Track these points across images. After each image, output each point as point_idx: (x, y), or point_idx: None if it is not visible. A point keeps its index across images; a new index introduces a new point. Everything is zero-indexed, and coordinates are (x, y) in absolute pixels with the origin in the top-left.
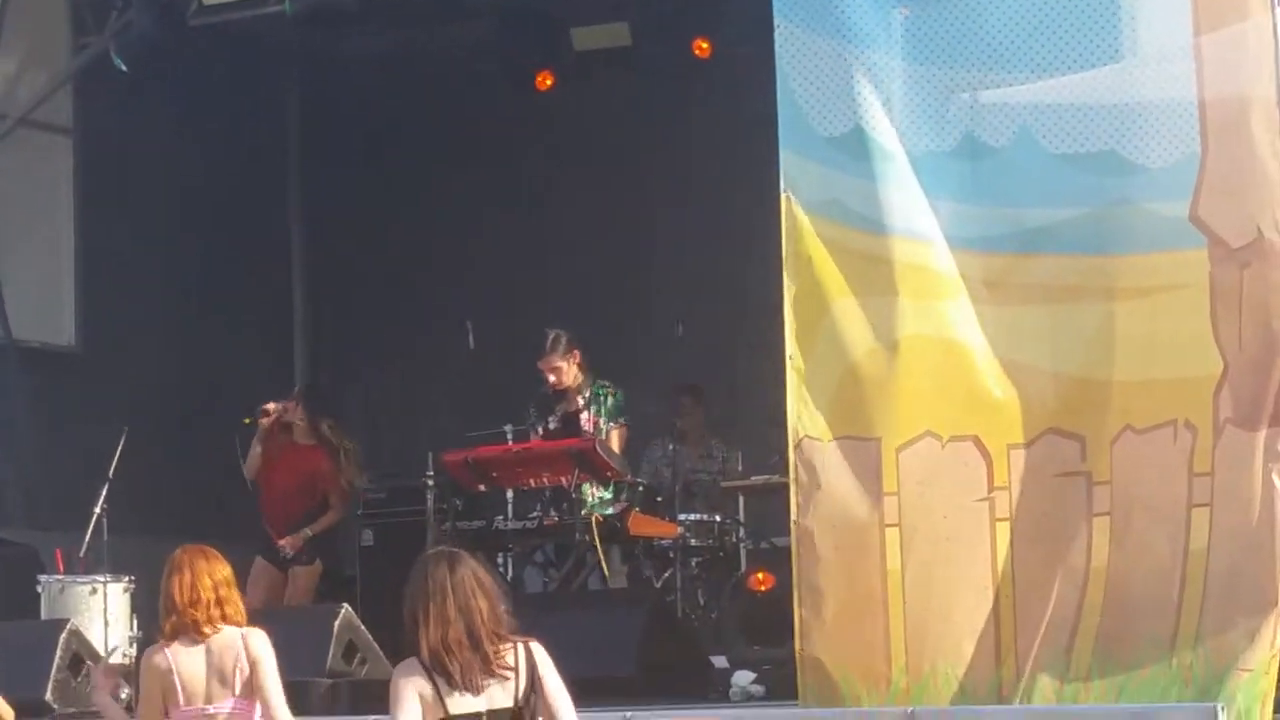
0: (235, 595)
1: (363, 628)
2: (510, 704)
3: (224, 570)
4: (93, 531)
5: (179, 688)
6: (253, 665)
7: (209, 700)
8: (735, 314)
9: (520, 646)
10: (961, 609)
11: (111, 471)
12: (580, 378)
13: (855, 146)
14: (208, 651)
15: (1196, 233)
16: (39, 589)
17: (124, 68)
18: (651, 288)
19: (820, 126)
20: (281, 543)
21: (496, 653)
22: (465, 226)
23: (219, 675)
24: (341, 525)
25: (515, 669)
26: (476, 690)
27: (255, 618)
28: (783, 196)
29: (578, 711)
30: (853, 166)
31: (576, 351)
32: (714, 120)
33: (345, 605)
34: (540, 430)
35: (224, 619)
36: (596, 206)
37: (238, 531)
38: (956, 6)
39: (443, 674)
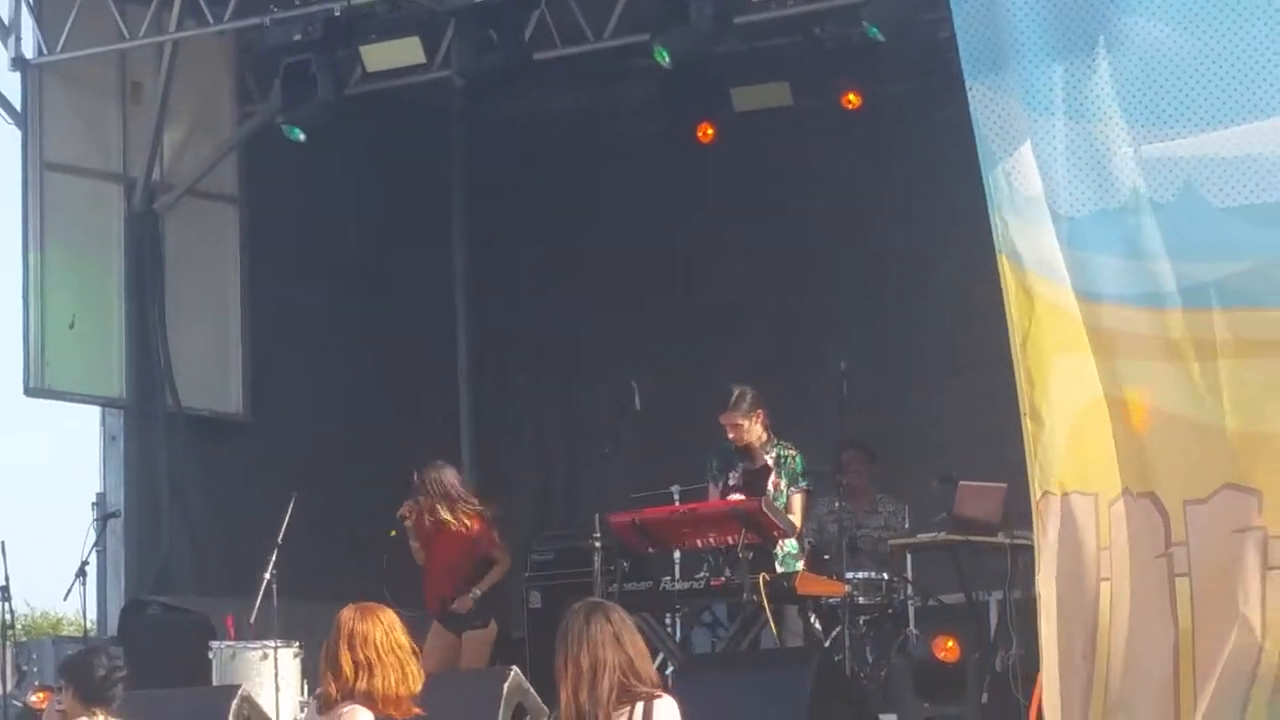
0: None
1: (532, 690)
2: None
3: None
4: (263, 597)
5: None
6: None
7: None
8: (903, 371)
9: (642, 703)
10: (1143, 665)
11: (281, 537)
12: (764, 438)
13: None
14: None
15: None
16: (210, 655)
17: (302, 137)
18: (818, 343)
19: (1022, 186)
20: (454, 606)
21: (618, 706)
22: (629, 285)
23: None
24: (509, 587)
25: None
26: None
27: (428, 683)
28: (999, 257)
29: None
30: (1049, 225)
31: (761, 411)
32: (876, 171)
33: (514, 668)
34: (720, 485)
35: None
36: (759, 264)
37: (404, 597)
38: (1114, 61)
39: None
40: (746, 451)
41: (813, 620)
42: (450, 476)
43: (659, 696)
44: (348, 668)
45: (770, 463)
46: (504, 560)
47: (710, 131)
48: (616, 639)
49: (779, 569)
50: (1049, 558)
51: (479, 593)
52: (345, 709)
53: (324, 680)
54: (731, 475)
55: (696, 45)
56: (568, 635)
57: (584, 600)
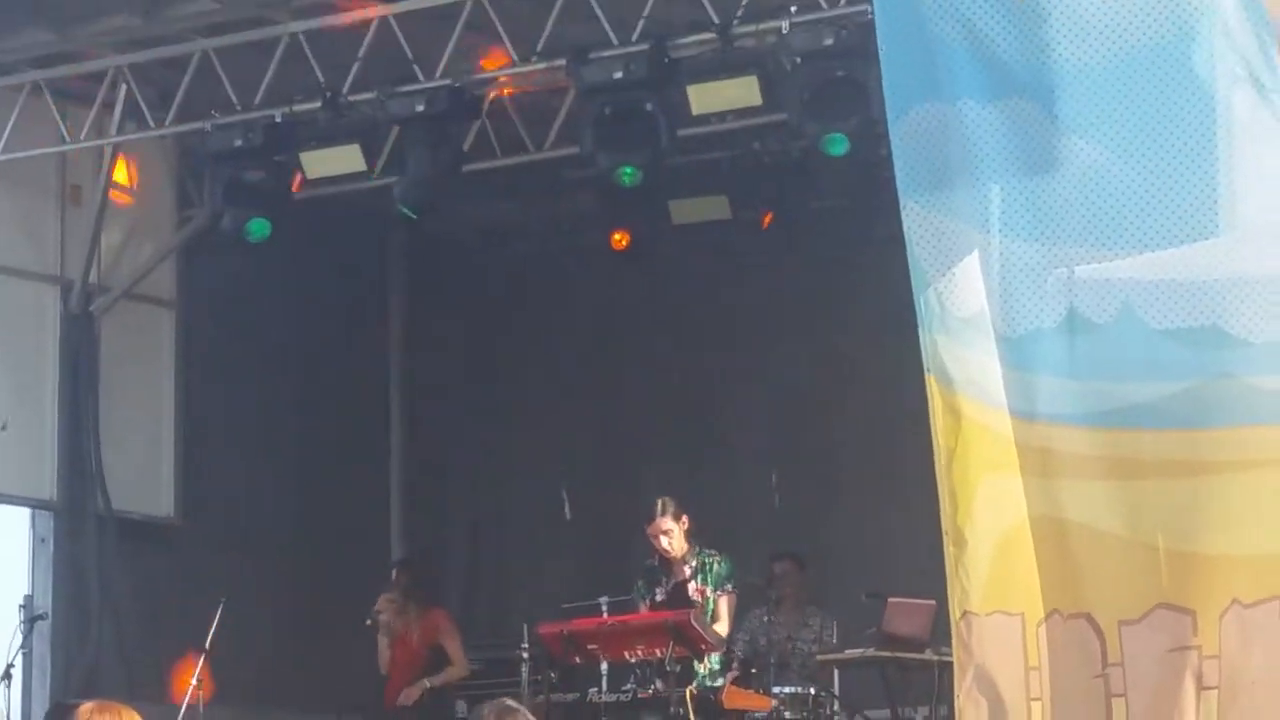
0: None
1: None
2: None
3: None
4: (188, 703)
5: None
6: None
7: None
8: (830, 483)
9: None
10: None
11: (209, 642)
12: (686, 546)
13: (984, 326)
14: None
15: None
16: None
17: (267, 233)
18: (748, 456)
19: (954, 307)
20: (400, 697)
21: None
22: (563, 395)
23: None
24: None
25: None
26: None
27: None
28: (927, 376)
29: None
30: (985, 346)
31: (685, 518)
32: (811, 283)
33: None
34: (648, 602)
35: None
36: (690, 376)
37: (337, 700)
38: (1051, 182)
39: None
40: (669, 567)
41: None
42: (417, 573)
43: None
44: None
45: (689, 572)
46: (462, 664)
47: (624, 240)
48: None
49: (703, 685)
50: (970, 676)
51: (429, 684)
52: None
53: None
54: (658, 591)
55: (654, 162)
56: None
57: (494, 702)
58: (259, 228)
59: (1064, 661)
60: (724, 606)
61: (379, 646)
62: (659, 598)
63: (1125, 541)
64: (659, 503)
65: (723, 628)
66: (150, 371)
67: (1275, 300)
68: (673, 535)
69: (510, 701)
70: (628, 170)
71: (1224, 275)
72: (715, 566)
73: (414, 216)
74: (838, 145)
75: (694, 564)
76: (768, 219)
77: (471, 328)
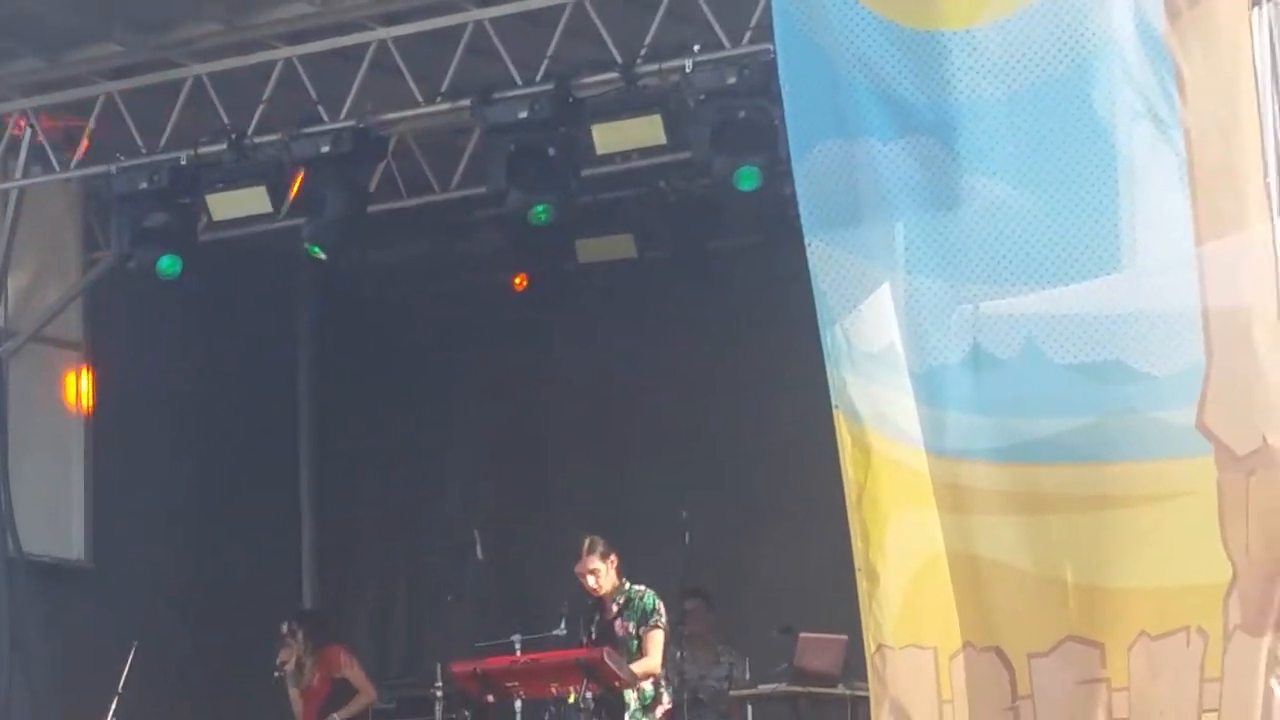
0: None
1: None
2: None
3: None
4: None
5: None
6: None
7: None
8: (741, 519)
9: None
10: None
11: (121, 685)
12: (615, 583)
13: (893, 361)
14: None
15: (1203, 440)
16: None
17: (178, 269)
18: (658, 492)
19: (860, 342)
20: None
21: None
22: (474, 433)
23: None
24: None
25: None
26: None
27: None
28: (835, 412)
29: None
30: (892, 381)
31: (614, 556)
32: (717, 321)
33: None
34: (587, 640)
35: None
36: (599, 412)
37: None
38: (954, 218)
39: None
40: (601, 605)
41: None
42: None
43: None
44: None
45: (615, 609)
46: (368, 691)
47: (524, 282)
48: None
49: None
50: (884, 709)
51: (337, 717)
52: None
53: None
54: (592, 629)
55: (564, 201)
56: None
57: None
58: (169, 264)
59: (976, 694)
60: (650, 642)
61: (290, 699)
62: (593, 635)
63: (1032, 576)
64: (586, 541)
65: (653, 662)
66: (59, 414)
67: (1178, 333)
68: (600, 574)
69: None
70: (540, 208)
71: (1126, 310)
72: (638, 602)
73: (323, 257)
74: (749, 180)
75: (620, 601)
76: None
77: (380, 368)
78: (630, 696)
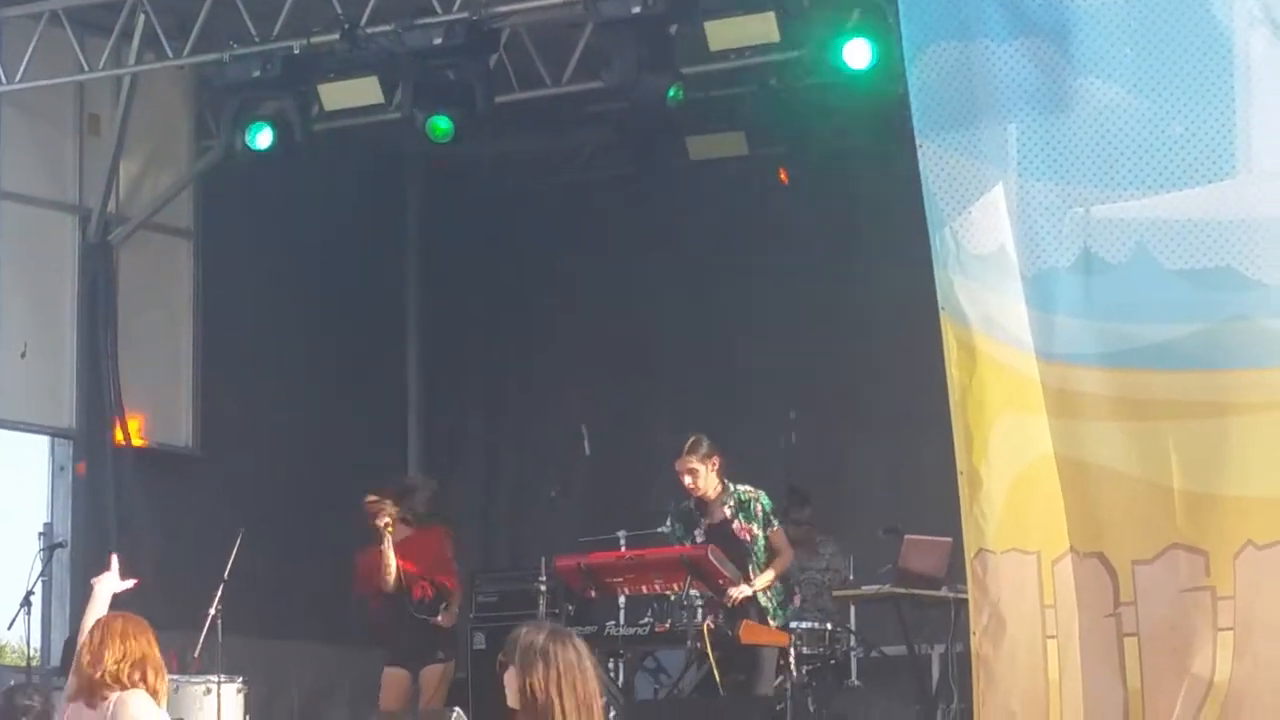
0: (143, 670)
1: None
2: None
3: (138, 646)
4: (208, 632)
5: None
6: None
7: None
8: (848, 419)
9: None
10: None
11: (227, 572)
12: (720, 487)
13: (1003, 264)
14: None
15: None
16: None
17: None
18: (766, 392)
19: (970, 245)
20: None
21: None
22: (581, 328)
23: None
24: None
25: None
26: None
27: None
28: (941, 314)
29: None
30: (1001, 285)
31: (717, 458)
32: (828, 223)
33: (457, 709)
34: (690, 544)
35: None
36: (708, 311)
37: (352, 634)
38: (1067, 122)
39: None
40: (703, 508)
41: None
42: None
43: None
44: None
45: (729, 513)
46: (458, 591)
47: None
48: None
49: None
50: (985, 615)
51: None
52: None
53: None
54: (697, 533)
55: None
56: (557, 658)
57: (538, 624)
58: (261, 137)
59: (1080, 599)
60: (779, 539)
61: (385, 561)
62: (698, 539)
63: (1140, 482)
64: (690, 439)
65: (787, 559)
66: (169, 302)
67: None
68: (698, 475)
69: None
70: (674, 90)
71: (1239, 216)
72: (753, 505)
73: (447, 140)
74: (859, 57)
75: (732, 504)
76: (784, 175)
77: (487, 259)
78: (763, 599)
